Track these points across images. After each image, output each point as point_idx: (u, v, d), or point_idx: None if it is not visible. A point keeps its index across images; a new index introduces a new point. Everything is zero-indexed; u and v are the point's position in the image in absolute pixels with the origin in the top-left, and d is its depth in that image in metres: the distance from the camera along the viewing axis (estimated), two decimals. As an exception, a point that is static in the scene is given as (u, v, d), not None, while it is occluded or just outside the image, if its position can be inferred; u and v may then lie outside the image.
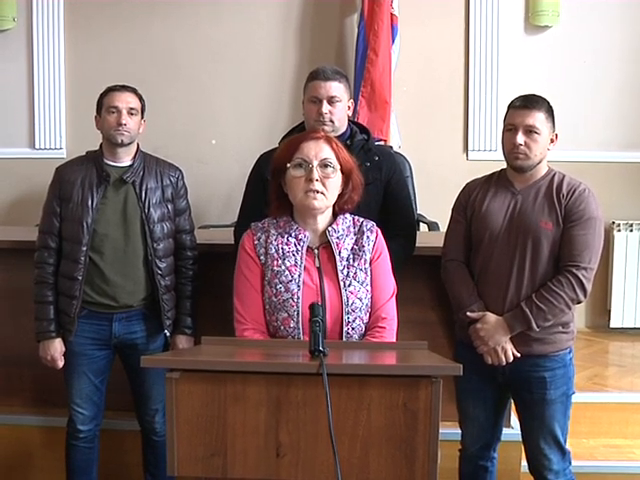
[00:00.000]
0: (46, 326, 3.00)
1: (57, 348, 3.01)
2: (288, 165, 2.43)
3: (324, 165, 2.42)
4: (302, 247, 2.44)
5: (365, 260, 2.46)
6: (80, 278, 2.95)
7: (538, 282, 2.74)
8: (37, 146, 5.29)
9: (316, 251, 2.46)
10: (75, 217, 2.96)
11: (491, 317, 2.76)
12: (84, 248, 2.94)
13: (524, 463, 3.01)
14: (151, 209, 3.00)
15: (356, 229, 2.52)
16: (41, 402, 3.53)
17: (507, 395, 2.92)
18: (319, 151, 2.42)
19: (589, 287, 2.73)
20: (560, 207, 2.73)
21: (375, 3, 4.95)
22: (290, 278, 2.41)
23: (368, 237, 2.49)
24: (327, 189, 2.41)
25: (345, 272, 2.44)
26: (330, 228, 2.47)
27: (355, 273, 2.44)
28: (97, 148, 3.10)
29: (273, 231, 2.48)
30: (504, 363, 2.76)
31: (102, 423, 3.14)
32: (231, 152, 5.22)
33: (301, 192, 2.41)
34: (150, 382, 3.06)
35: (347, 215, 2.53)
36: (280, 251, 2.44)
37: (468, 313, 2.79)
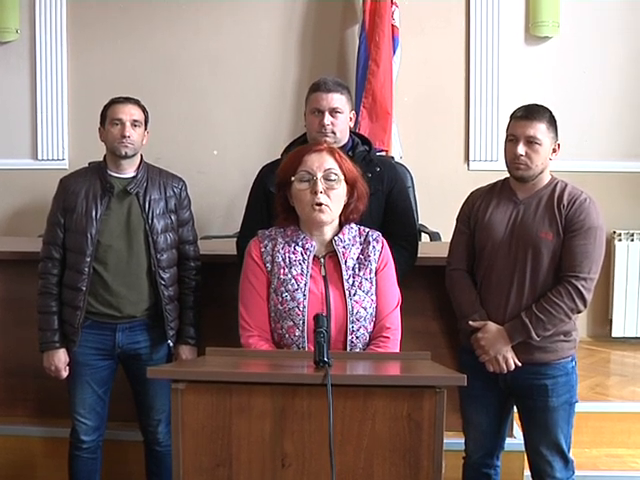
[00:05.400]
0: (50, 336, 3.01)
1: (61, 358, 3.01)
2: (292, 178, 2.45)
3: (328, 176, 2.44)
4: (309, 256, 2.46)
5: (371, 270, 2.48)
6: (84, 289, 2.95)
7: (539, 292, 2.75)
8: (39, 157, 5.30)
9: (322, 260, 2.48)
10: (79, 228, 2.97)
11: (492, 326, 2.77)
12: (88, 259, 2.95)
13: (527, 473, 3.01)
14: (154, 220, 3.00)
15: (362, 239, 2.53)
16: (44, 412, 3.52)
17: (510, 402, 2.92)
18: (322, 163, 2.44)
19: (589, 297, 2.74)
20: (561, 217, 2.74)
21: (376, 14, 4.97)
22: (296, 287, 2.42)
23: (374, 247, 2.51)
24: (332, 200, 2.43)
25: (351, 281, 2.45)
26: (336, 237, 2.49)
27: (360, 282, 2.46)
28: (99, 159, 3.11)
29: (280, 239, 2.50)
30: (505, 371, 2.77)
31: (105, 433, 3.13)
32: (232, 163, 5.23)
33: (307, 206, 2.43)
34: (153, 392, 3.06)
35: (353, 225, 2.55)
36: (287, 259, 2.46)
37: (470, 322, 2.80)
